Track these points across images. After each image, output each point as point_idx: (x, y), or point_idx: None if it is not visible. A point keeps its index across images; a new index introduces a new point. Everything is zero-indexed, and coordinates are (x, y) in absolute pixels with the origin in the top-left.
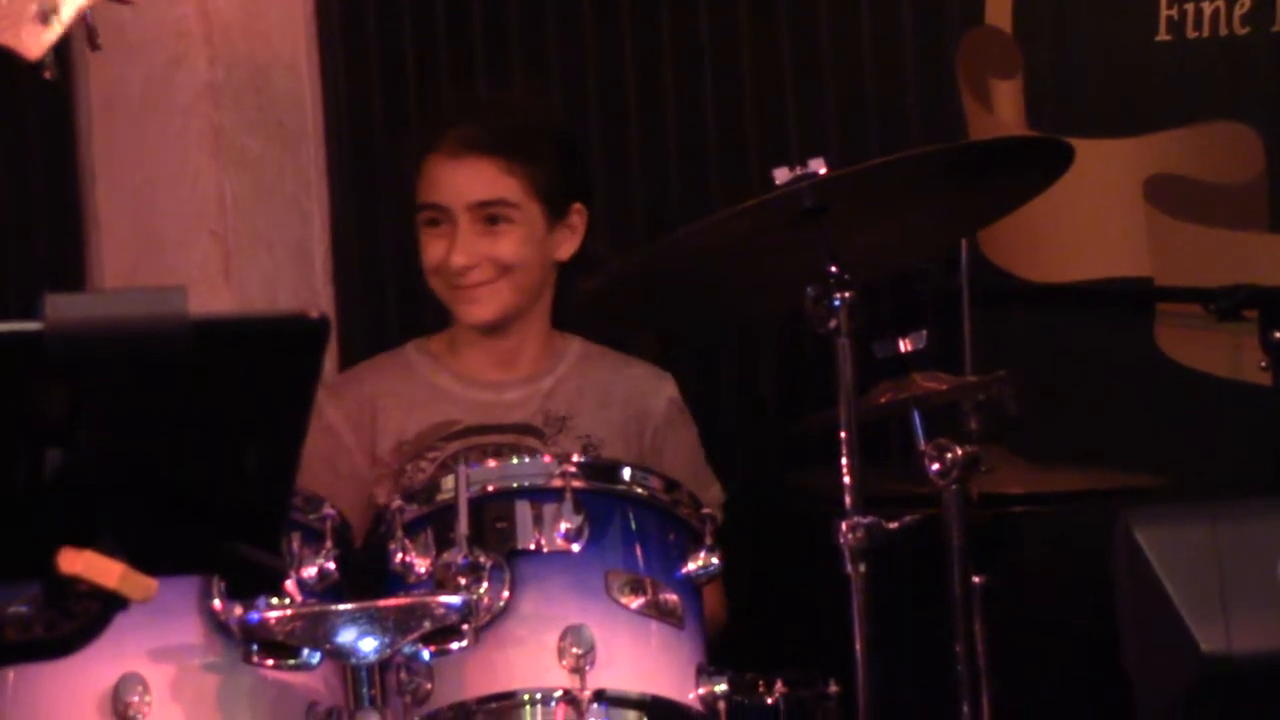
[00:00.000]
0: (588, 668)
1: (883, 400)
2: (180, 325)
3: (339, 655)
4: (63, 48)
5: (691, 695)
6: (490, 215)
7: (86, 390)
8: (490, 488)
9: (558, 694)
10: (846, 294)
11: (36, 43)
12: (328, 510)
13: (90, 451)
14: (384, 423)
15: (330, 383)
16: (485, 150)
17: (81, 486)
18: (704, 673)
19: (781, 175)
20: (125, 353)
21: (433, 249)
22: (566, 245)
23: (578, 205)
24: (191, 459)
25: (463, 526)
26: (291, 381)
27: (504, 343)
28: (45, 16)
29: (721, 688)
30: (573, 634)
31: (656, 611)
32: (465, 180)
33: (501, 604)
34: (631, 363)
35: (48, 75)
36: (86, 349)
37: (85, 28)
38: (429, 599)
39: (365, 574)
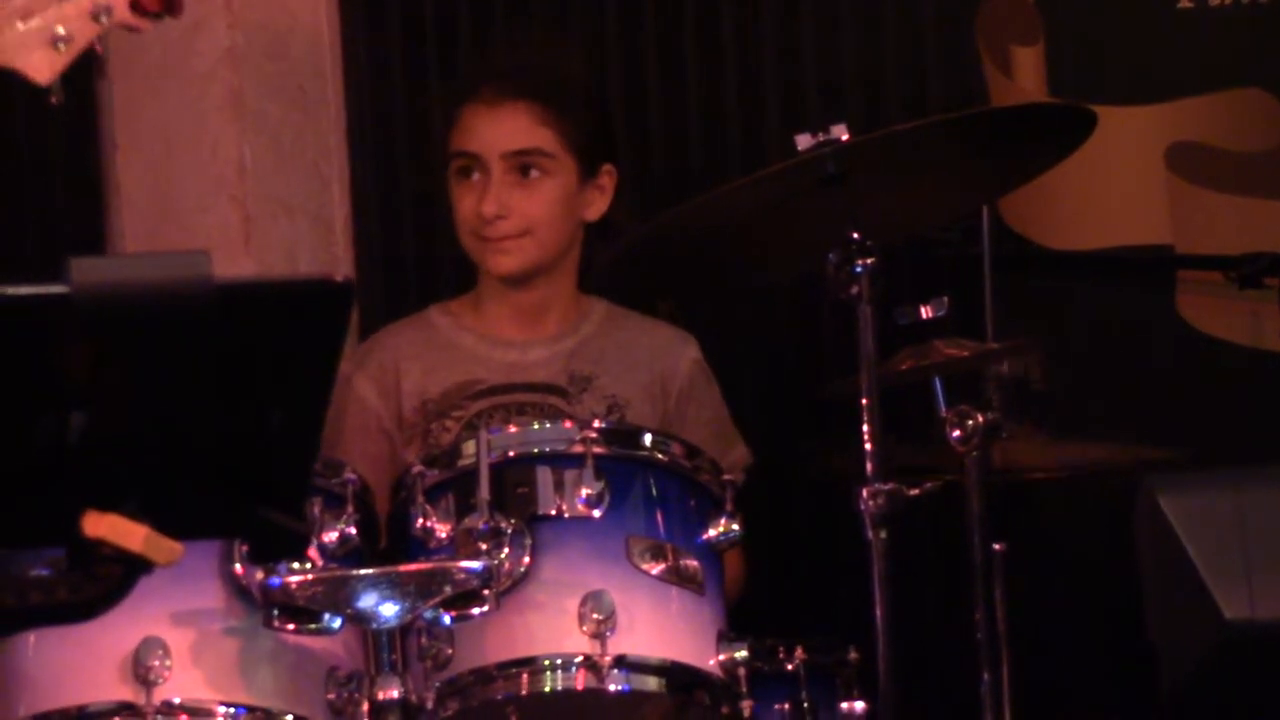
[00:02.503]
0: (608, 633)
1: (904, 367)
2: (205, 288)
3: (360, 620)
4: None
5: (712, 661)
6: (524, 165)
7: (111, 353)
8: (511, 453)
9: (578, 659)
10: (868, 260)
11: (47, 68)
12: (349, 475)
13: (115, 414)
14: (407, 384)
15: (354, 352)
16: (524, 97)
17: (106, 449)
18: (724, 639)
19: (804, 141)
20: (150, 315)
21: (465, 202)
22: (595, 205)
23: (608, 166)
24: (216, 423)
25: (484, 492)
26: (316, 345)
27: (528, 298)
28: (56, 43)
29: (742, 654)
30: (593, 599)
31: (677, 577)
32: (501, 128)
33: (522, 569)
34: (656, 324)
35: (54, 101)
36: (112, 311)
37: (95, 56)
38: (450, 564)
39: (401, 539)
